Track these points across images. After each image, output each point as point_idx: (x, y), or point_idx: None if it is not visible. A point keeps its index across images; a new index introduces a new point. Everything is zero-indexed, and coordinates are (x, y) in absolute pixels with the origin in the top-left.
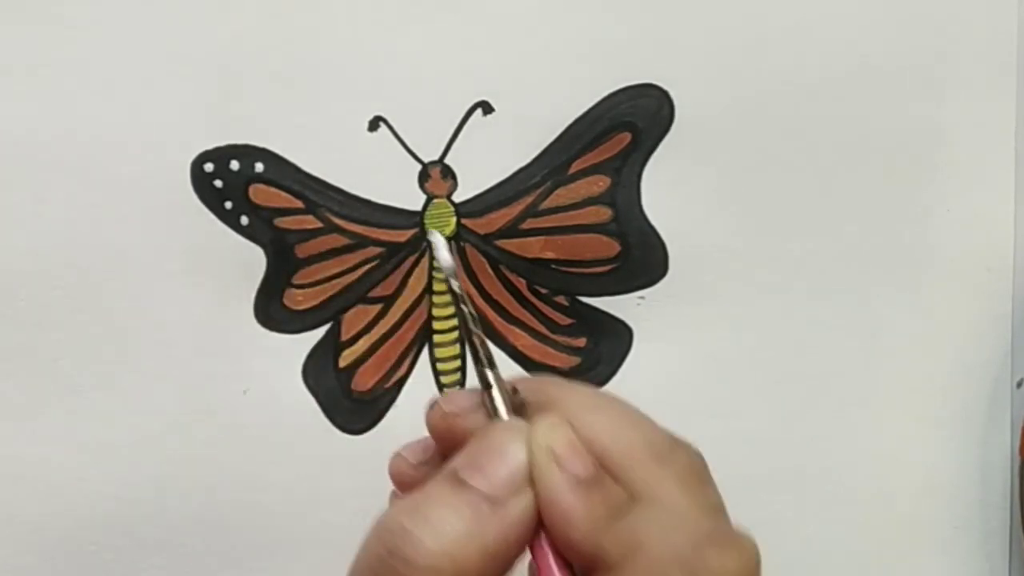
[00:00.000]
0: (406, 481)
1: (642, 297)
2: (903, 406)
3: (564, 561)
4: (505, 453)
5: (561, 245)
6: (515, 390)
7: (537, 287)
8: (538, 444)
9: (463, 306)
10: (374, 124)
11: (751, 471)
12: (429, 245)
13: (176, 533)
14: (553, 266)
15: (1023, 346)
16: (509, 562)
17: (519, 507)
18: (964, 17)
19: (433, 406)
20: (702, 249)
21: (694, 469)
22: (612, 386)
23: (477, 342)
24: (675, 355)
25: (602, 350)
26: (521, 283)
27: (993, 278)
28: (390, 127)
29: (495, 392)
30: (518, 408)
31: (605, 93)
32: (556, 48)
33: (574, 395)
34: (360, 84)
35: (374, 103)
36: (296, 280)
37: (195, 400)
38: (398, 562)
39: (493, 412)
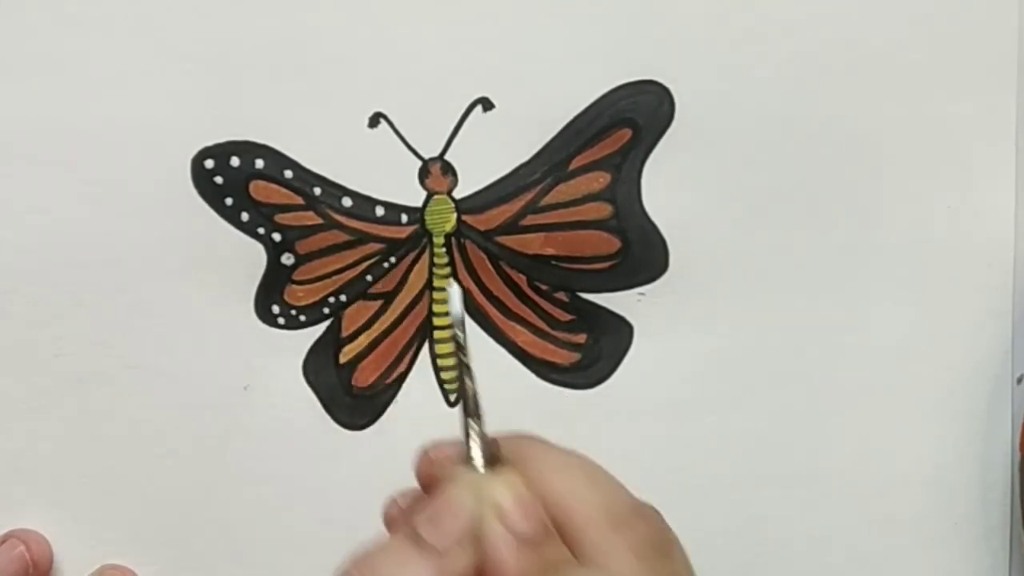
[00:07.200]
0: (395, 526)
1: (642, 293)
2: (903, 402)
3: None
4: (456, 507)
5: (561, 241)
6: (496, 443)
7: (537, 283)
8: (486, 499)
9: (462, 356)
10: (374, 120)
11: (751, 468)
12: (454, 289)
13: (177, 529)
14: (553, 262)
15: (1023, 342)
16: None
17: (460, 559)
18: (964, 15)
19: (421, 454)
20: (702, 245)
21: (652, 541)
22: (612, 382)
23: (469, 392)
24: (675, 351)
25: (602, 346)
26: (521, 279)
27: (994, 274)
28: (390, 123)
29: (472, 444)
30: (494, 461)
31: (605, 89)
32: (556, 44)
33: (546, 454)
34: (360, 81)
35: (374, 99)
36: (297, 276)
37: (196, 396)
38: None
39: (468, 462)
